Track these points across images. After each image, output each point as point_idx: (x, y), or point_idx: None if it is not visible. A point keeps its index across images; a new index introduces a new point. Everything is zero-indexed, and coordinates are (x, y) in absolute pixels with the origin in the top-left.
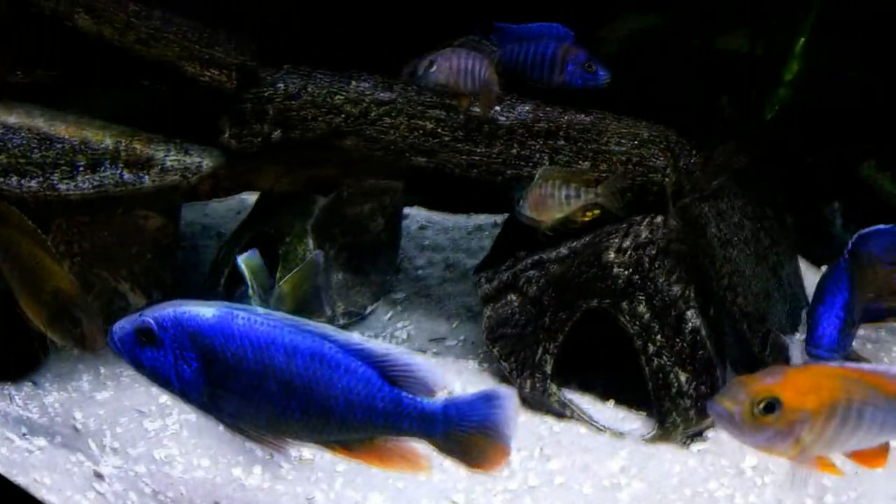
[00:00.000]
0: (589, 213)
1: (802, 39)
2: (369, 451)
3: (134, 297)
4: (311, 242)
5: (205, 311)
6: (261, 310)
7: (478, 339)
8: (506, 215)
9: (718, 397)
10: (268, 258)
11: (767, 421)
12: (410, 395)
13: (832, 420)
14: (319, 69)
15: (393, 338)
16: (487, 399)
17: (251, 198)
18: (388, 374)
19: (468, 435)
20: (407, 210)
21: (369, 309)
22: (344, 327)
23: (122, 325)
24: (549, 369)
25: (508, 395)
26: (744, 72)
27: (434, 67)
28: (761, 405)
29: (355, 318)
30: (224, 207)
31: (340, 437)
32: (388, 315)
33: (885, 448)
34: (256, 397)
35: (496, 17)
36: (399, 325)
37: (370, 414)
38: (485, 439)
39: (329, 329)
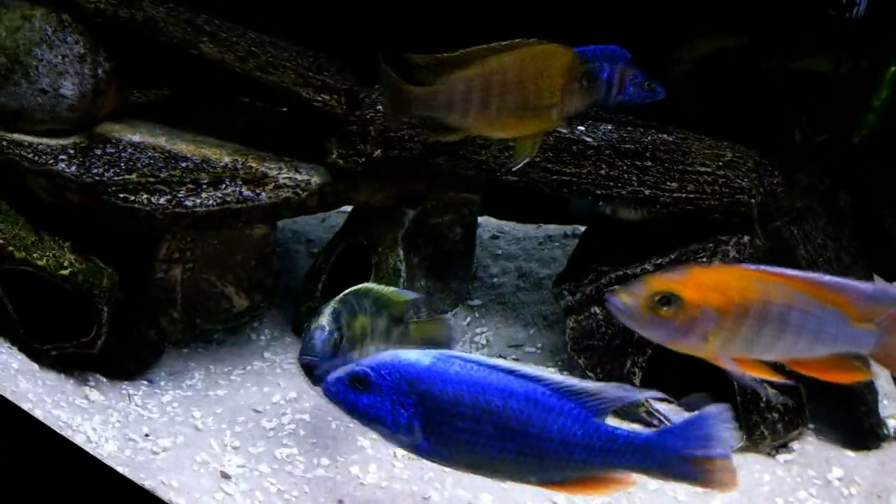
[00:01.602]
0: None
1: (894, 68)
2: (581, 483)
3: (238, 299)
4: (401, 253)
5: (422, 358)
6: (476, 356)
7: (555, 347)
8: (576, 227)
9: (618, 290)
10: (360, 267)
11: (664, 315)
12: (625, 431)
13: (745, 321)
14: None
15: (473, 343)
16: (703, 420)
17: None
18: (603, 409)
19: (687, 459)
20: (478, 220)
21: (449, 315)
22: None
23: (336, 374)
24: (637, 381)
25: (722, 410)
26: (829, 93)
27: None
28: (657, 298)
29: None
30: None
31: (555, 476)
32: (467, 321)
33: (842, 361)
34: (473, 440)
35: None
36: (478, 330)
37: (587, 453)
38: (706, 460)
39: (541, 371)
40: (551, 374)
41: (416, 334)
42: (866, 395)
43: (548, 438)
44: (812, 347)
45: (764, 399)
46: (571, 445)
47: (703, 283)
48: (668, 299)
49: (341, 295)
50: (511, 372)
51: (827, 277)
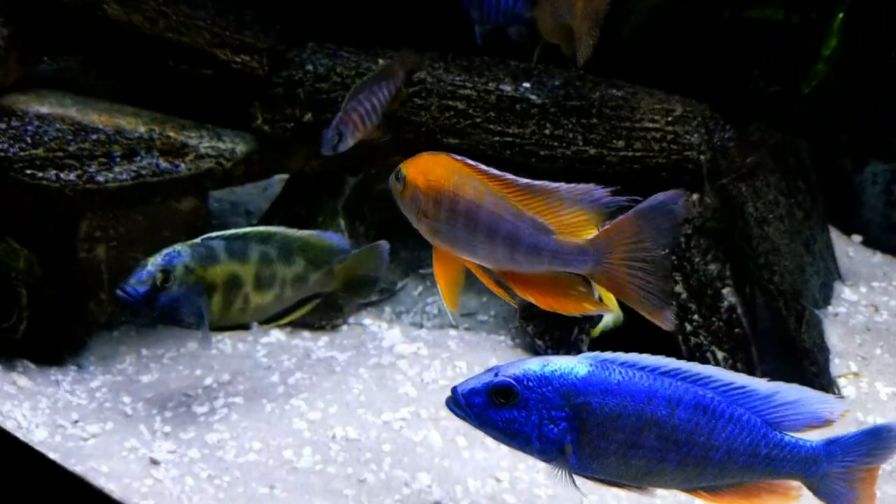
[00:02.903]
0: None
1: (841, 15)
2: (737, 492)
3: None
4: (342, 222)
5: (576, 367)
6: (635, 356)
7: (508, 315)
8: None
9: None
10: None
11: (397, 190)
12: (793, 438)
13: (439, 208)
14: (345, 46)
15: (424, 313)
16: (876, 434)
17: (277, 175)
18: (773, 412)
19: (850, 472)
20: None
21: (399, 285)
22: (377, 303)
23: (470, 386)
24: (584, 348)
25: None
26: (778, 44)
27: (341, 140)
28: (395, 173)
29: (387, 295)
30: (250, 185)
31: (710, 483)
32: (418, 290)
33: (561, 284)
34: (631, 452)
35: None
36: (429, 300)
37: (750, 462)
38: (867, 475)
39: (710, 370)
40: (720, 372)
41: (343, 273)
42: (816, 354)
43: (713, 447)
44: (513, 258)
45: (713, 363)
46: (736, 454)
47: (420, 164)
48: (398, 175)
49: (201, 238)
50: (677, 373)
51: (536, 183)
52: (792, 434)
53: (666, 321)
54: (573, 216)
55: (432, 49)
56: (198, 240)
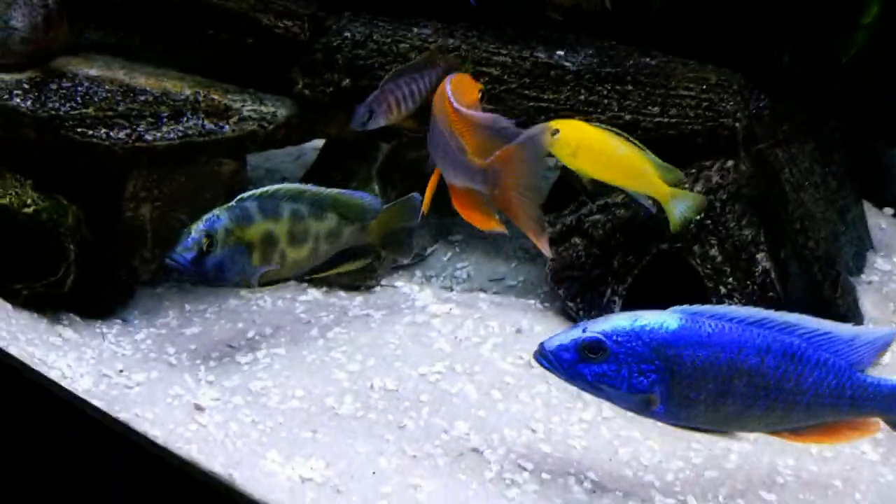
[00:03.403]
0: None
1: None
2: (819, 430)
3: None
4: (376, 188)
5: (667, 321)
6: (723, 308)
7: (537, 280)
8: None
9: None
10: None
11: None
12: (876, 379)
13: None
14: (379, 15)
15: (454, 278)
16: None
17: (311, 142)
18: (855, 353)
19: None
20: None
21: (429, 250)
22: (408, 267)
23: (558, 342)
24: (617, 310)
25: None
26: (817, 12)
27: (371, 118)
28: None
29: (416, 259)
30: (283, 152)
31: (792, 424)
32: (448, 256)
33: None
34: (720, 401)
35: None
36: (458, 265)
37: (836, 403)
38: None
39: (796, 318)
40: (806, 319)
41: (378, 228)
42: (851, 319)
43: (801, 392)
44: (453, 174)
45: None
46: (823, 396)
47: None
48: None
49: (235, 200)
50: (765, 322)
51: (473, 113)
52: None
53: (545, 247)
54: (483, 141)
55: (462, 20)
56: (233, 202)
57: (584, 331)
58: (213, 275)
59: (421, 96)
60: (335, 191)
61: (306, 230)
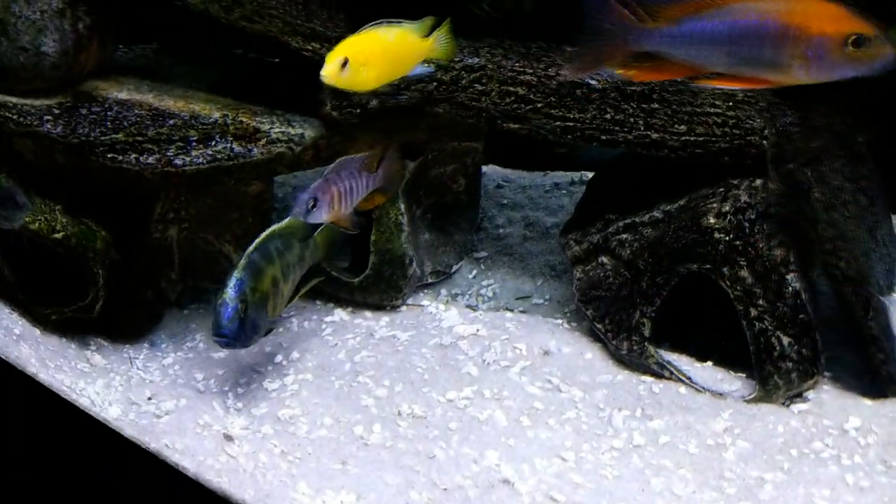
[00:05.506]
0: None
1: None
2: None
3: (237, 258)
4: (402, 206)
5: None
6: None
7: (563, 298)
8: (583, 173)
9: None
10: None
11: None
12: None
13: None
14: None
15: (479, 296)
16: None
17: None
18: None
19: None
20: (483, 169)
21: (455, 268)
22: (433, 285)
23: None
24: (646, 332)
25: None
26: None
27: (316, 207)
28: None
29: (442, 277)
30: (311, 171)
31: None
32: (473, 274)
33: None
34: None
35: None
36: (484, 283)
37: None
38: None
39: None
40: None
41: (322, 241)
42: (883, 340)
43: None
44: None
45: (778, 348)
46: None
47: None
48: None
49: (244, 259)
50: None
51: None
52: None
53: None
54: None
55: (490, 35)
56: (243, 260)
57: None
58: (251, 336)
59: (358, 196)
60: (283, 222)
61: (288, 264)
